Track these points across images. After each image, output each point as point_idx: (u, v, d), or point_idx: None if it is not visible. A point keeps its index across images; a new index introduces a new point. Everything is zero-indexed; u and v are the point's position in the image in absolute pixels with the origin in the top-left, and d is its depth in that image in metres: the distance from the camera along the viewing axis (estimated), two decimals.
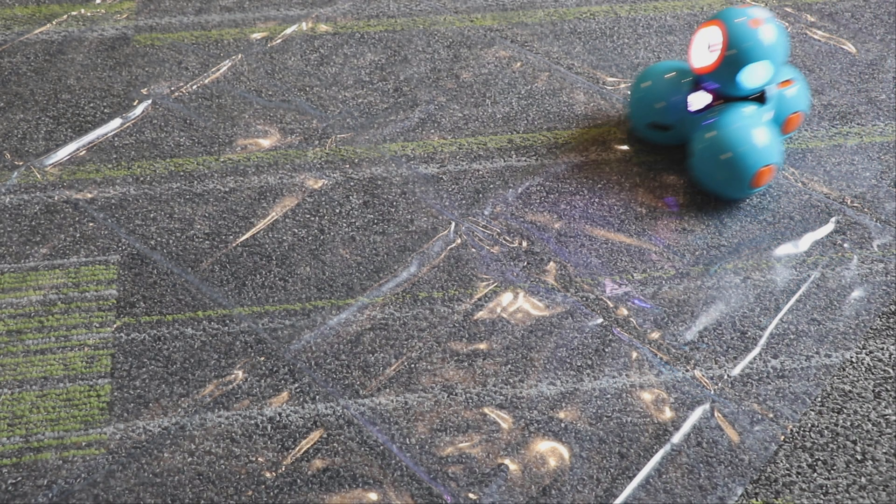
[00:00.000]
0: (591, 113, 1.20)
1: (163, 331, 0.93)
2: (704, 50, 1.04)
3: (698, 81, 1.08)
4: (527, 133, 1.17)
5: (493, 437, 0.85)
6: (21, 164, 1.10)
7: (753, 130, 1.03)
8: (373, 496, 0.80)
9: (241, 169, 1.10)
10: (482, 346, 0.92)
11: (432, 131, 1.17)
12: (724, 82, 1.04)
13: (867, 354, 0.93)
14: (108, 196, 1.07)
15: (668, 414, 0.87)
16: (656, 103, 1.11)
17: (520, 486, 0.81)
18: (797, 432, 0.86)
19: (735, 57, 1.01)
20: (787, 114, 1.09)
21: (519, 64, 1.28)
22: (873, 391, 0.90)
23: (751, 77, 1.03)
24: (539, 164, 1.13)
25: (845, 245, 1.04)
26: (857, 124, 1.19)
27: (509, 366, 0.91)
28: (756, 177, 1.03)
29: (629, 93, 1.16)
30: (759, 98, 1.06)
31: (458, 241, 1.03)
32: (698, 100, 1.08)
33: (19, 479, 0.80)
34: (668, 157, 1.14)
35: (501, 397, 0.88)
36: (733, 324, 0.95)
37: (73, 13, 1.35)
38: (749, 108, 1.05)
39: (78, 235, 1.02)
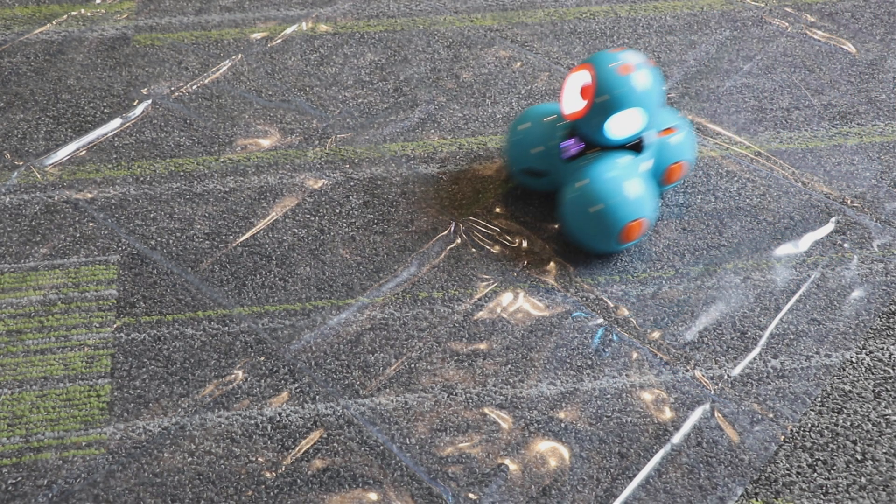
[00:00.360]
0: None
1: (163, 331, 0.93)
2: (576, 95, 0.97)
3: (573, 128, 1.01)
4: None
5: (493, 437, 0.85)
6: (21, 164, 1.10)
7: (624, 182, 0.97)
8: (373, 496, 0.80)
9: (241, 169, 1.10)
10: (482, 346, 0.92)
11: (432, 131, 1.17)
12: (593, 130, 0.97)
13: (867, 354, 0.93)
14: (108, 196, 1.07)
15: (668, 414, 0.87)
16: (532, 148, 1.04)
17: (520, 486, 0.81)
18: (797, 432, 0.86)
19: (604, 104, 0.94)
20: (667, 164, 1.02)
21: (519, 64, 1.28)
22: (873, 391, 0.90)
23: (620, 126, 0.96)
24: None
25: (845, 245, 1.04)
26: (857, 124, 1.19)
27: (509, 366, 0.91)
28: (624, 231, 0.97)
29: (506, 135, 1.08)
30: (637, 147, 1.00)
31: (458, 241, 1.03)
32: (571, 147, 1.01)
33: (19, 478, 0.80)
34: None
35: (501, 397, 0.88)
36: (733, 324, 0.95)
37: (73, 13, 1.35)
38: (624, 159, 0.98)
39: (78, 235, 1.02)
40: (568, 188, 0.99)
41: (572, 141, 1.01)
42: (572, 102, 0.97)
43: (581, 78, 0.96)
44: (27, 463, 0.82)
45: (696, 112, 1.21)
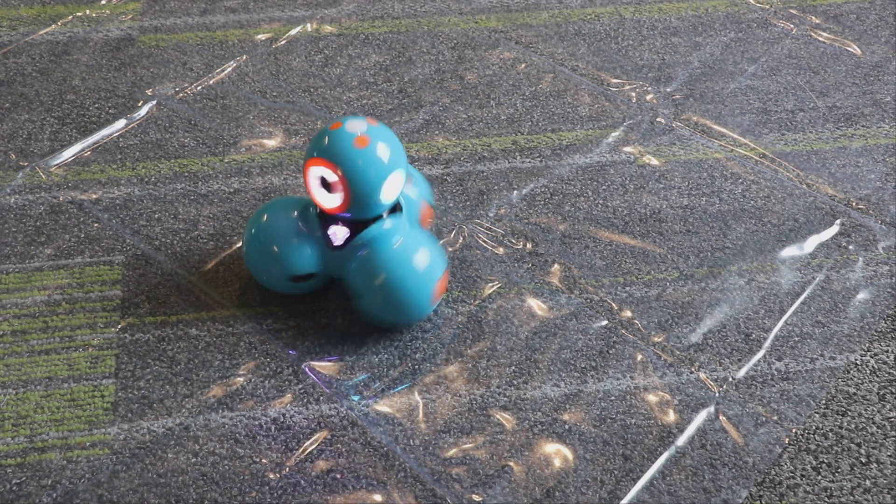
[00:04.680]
0: (595, 114, 1.20)
1: (167, 331, 0.93)
2: (323, 188, 0.86)
3: (325, 215, 0.90)
4: (531, 134, 1.17)
5: (497, 438, 0.85)
6: (26, 164, 1.10)
7: (419, 246, 0.90)
8: (376, 498, 0.80)
9: (246, 170, 1.11)
10: (486, 347, 0.92)
11: (436, 132, 1.17)
12: (360, 212, 0.87)
13: (872, 357, 0.93)
14: (113, 197, 1.07)
15: (672, 416, 0.87)
16: (293, 255, 0.90)
17: (524, 487, 0.81)
18: (801, 435, 0.86)
19: (360, 188, 0.84)
20: (417, 209, 0.95)
21: (523, 65, 1.28)
22: (878, 394, 0.90)
23: (388, 195, 0.86)
24: (543, 165, 1.13)
25: (850, 247, 1.03)
26: (862, 126, 1.19)
27: (513, 367, 0.91)
28: (436, 289, 0.90)
29: (248, 250, 0.93)
30: (394, 208, 0.91)
31: (462, 242, 1.03)
32: (340, 234, 0.91)
33: (23, 479, 0.81)
34: (674, 160, 1.14)
35: (505, 399, 0.88)
36: (738, 326, 0.95)
37: (79, 14, 1.35)
38: (398, 223, 0.90)
39: (82, 236, 1.02)
40: (365, 279, 0.89)
41: (338, 228, 0.91)
42: (327, 197, 0.86)
43: (321, 173, 0.85)
44: (31, 463, 0.82)
45: (700, 113, 1.20)
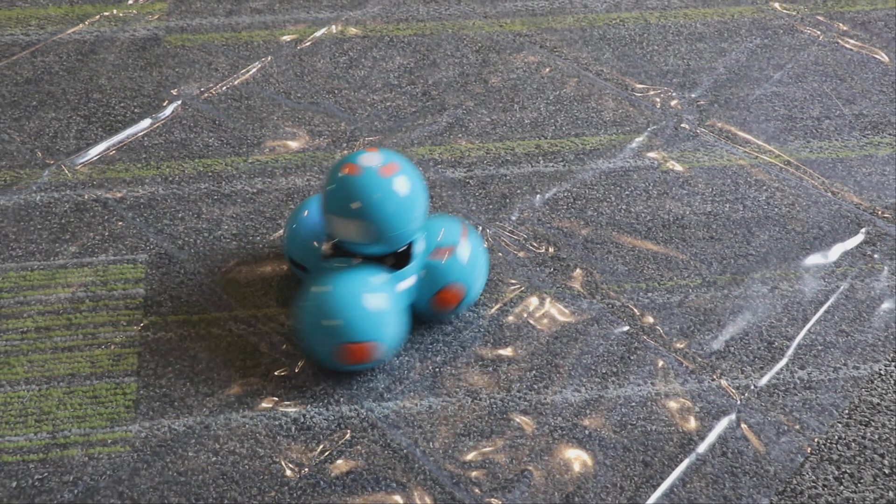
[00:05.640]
0: (619, 119, 1.20)
1: (189, 330, 0.93)
2: None
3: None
4: (555, 139, 1.17)
5: (517, 442, 0.85)
6: (52, 162, 1.11)
7: (356, 298, 0.85)
8: (395, 500, 0.80)
9: (270, 170, 1.11)
10: (507, 351, 0.92)
11: (460, 135, 1.17)
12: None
13: None
14: (137, 195, 1.07)
15: (693, 423, 0.87)
16: (302, 239, 0.93)
17: (543, 492, 0.81)
18: (824, 444, 0.85)
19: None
20: (439, 286, 0.90)
21: (548, 69, 1.28)
22: None
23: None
24: (567, 170, 1.12)
25: (875, 256, 1.03)
26: (889, 134, 1.18)
27: (534, 371, 0.90)
28: (342, 351, 0.85)
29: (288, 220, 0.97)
30: (401, 262, 0.89)
31: (485, 245, 1.02)
32: (327, 249, 0.92)
33: (45, 474, 0.81)
34: (698, 167, 1.13)
35: (526, 403, 0.88)
36: (760, 334, 0.94)
37: (106, 13, 1.36)
38: (377, 275, 0.87)
39: (107, 234, 1.03)
40: (306, 290, 0.88)
41: (328, 242, 0.92)
42: None
43: None
44: (53, 459, 0.82)
45: (725, 120, 1.20)
